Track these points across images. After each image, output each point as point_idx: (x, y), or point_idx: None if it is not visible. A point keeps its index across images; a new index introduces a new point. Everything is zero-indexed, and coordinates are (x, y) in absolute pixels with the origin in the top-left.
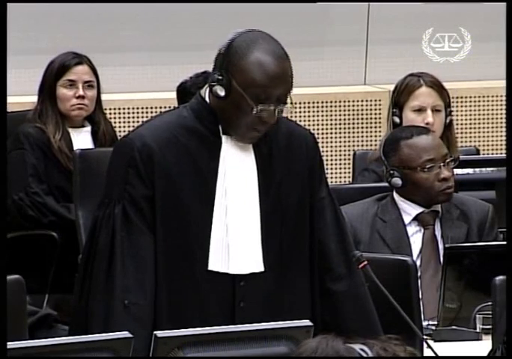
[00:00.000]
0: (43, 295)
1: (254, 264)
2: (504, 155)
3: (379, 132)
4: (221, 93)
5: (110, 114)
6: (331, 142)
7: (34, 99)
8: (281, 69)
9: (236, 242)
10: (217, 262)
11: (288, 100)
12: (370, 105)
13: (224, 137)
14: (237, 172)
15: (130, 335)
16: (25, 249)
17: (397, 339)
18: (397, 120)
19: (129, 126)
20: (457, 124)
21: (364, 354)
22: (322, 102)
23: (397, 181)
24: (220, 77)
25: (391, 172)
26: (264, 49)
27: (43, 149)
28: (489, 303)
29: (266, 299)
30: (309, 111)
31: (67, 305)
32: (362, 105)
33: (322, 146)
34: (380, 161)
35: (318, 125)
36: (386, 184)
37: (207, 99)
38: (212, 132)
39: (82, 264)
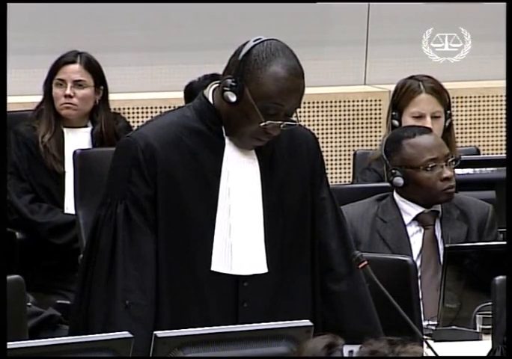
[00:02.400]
0: None
1: (258, 265)
2: (504, 155)
3: (379, 132)
4: (232, 98)
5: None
6: (331, 142)
7: (34, 99)
8: (295, 87)
9: (239, 243)
10: (220, 263)
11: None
12: (370, 105)
13: (227, 139)
14: (240, 172)
15: (130, 335)
16: None
17: (409, 341)
18: (396, 123)
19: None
20: (457, 124)
21: (347, 355)
22: (323, 102)
23: (399, 180)
24: (234, 83)
25: (393, 171)
26: (283, 64)
27: (30, 147)
28: (489, 303)
29: (269, 299)
30: (309, 111)
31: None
32: (362, 105)
33: (323, 147)
34: (381, 161)
35: (318, 125)
36: (386, 184)
37: (211, 99)
38: (215, 133)
39: (83, 263)
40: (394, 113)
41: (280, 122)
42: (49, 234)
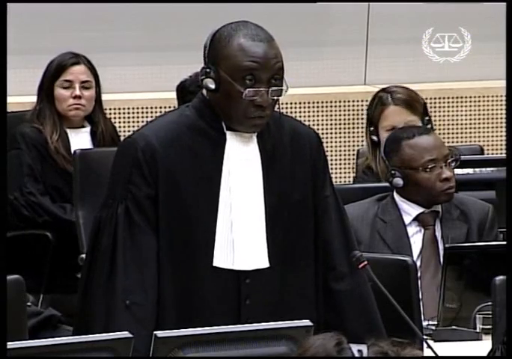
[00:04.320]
0: (38, 294)
1: (259, 260)
2: (504, 155)
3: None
4: (212, 85)
5: (110, 114)
6: (331, 142)
7: (34, 99)
8: (263, 51)
9: (240, 239)
10: (222, 258)
11: (284, 85)
12: None
13: (228, 134)
14: (242, 169)
15: (130, 335)
16: (20, 249)
17: (409, 343)
18: (374, 138)
19: (129, 126)
20: (457, 124)
21: (358, 355)
22: (323, 102)
23: (399, 181)
24: (208, 70)
25: (393, 172)
26: (245, 34)
27: (39, 149)
28: (489, 303)
29: (271, 296)
30: (309, 111)
31: (62, 305)
32: (362, 105)
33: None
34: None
35: (318, 125)
36: (386, 184)
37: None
38: (215, 129)
39: (86, 264)
40: (371, 128)
41: (262, 88)
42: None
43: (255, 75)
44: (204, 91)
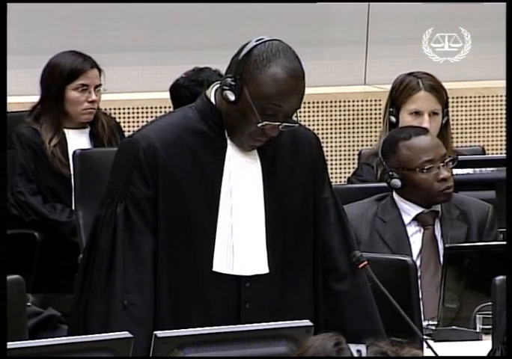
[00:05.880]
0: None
1: (259, 265)
2: (504, 155)
3: (380, 132)
4: (231, 97)
5: (110, 114)
6: (331, 142)
7: (34, 99)
8: (294, 89)
9: (241, 243)
10: (221, 263)
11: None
12: (370, 105)
13: (229, 139)
14: (242, 172)
15: (130, 335)
16: (7, 248)
17: (408, 343)
18: (393, 119)
19: (129, 126)
20: (457, 124)
21: (357, 355)
22: (323, 102)
23: (397, 182)
24: (233, 82)
25: (391, 173)
26: (282, 65)
27: (35, 149)
28: (489, 303)
29: (271, 300)
30: (309, 111)
31: (50, 304)
32: (362, 105)
33: (322, 147)
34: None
35: (318, 125)
36: (386, 184)
37: (213, 99)
38: (217, 133)
39: (83, 263)
40: (391, 109)
41: (278, 123)
42: (72, 233)
43: (277, 109)
44: (208, 93)
